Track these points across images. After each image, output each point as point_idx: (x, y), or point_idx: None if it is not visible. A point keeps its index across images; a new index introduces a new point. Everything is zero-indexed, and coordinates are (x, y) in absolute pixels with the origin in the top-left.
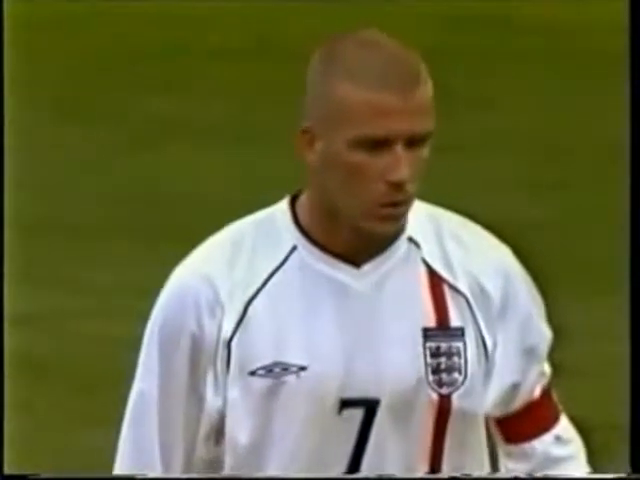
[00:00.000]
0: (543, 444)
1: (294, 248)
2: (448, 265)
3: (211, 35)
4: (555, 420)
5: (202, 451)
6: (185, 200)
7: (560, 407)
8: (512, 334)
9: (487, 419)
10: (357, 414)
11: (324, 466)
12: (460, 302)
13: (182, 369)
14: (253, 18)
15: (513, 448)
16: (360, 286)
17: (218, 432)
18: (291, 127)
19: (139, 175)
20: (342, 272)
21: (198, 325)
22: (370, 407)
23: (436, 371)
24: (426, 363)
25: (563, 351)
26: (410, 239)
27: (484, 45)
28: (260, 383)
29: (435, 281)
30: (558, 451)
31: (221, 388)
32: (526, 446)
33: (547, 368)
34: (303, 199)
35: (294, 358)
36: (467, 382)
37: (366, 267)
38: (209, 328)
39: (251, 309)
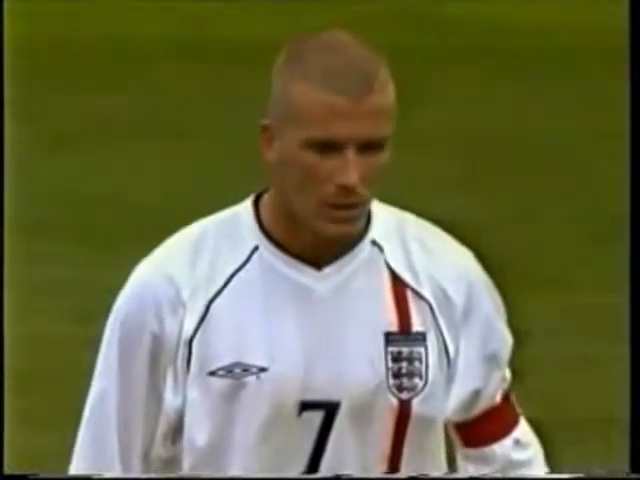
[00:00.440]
0: (503, 448)
1: (256, 248)
2: (411, 269)
3: (146, 34)
4: (515, 424)
5: (160, 450)
6: (105, 200)
7: (519, 410)
8: (475, 341)
9: (446, 423)
10: (317, 416)
11: (283, 467)
12: (423, 307)
13: (142, 367)
14: (188, 18)
15: (472, 452)
16: (321, 288)
17: (175, 432)
18: (219, 127)
19: (60, 174)
20: (303, 274)
21: (159, 323)
22: (330, 410)
23: (397, 376)
24: (387, 367)
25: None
26: (374, 242)
27: (417, 45)
28: (220, 383)
29: (398, 285)
30: (517, 455)
31: (181, 387)
32: (486, 450)
33: (507, 372)
34: (266, 198)
35: (254, 359)
36: (428, 387)
37: (328, 269)
38: (170, 327)
39: (212, 308)
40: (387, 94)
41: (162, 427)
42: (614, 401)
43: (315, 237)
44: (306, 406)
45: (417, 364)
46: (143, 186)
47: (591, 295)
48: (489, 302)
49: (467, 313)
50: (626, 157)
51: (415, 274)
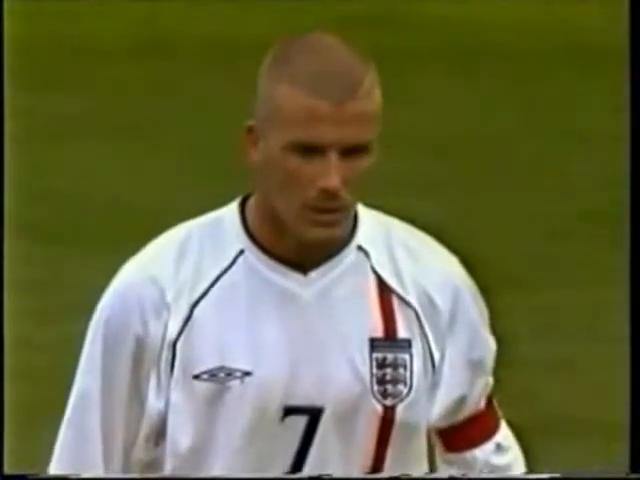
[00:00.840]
0: (484, 452)
1: (241, 252)
2: (398, 275)
3: (103, 34)
4: (496, 428)
5: (141, 452)
6: (72, 197)
7: (500, 414)
8: (460, 347)
9: (429, 428)
10: (301, 421)
11: (266, 471)
12: (409, 314)
13: (125, 369)
14: (145, 18)
15: (453, 457)
16: (306, 293)
17: (158, 434)
18: (179, 125)
19: (26, 170)
20: (288, 278)
21: (143, 325)
22: (314, 415)
23: (381, 382)
24: (371, 373)
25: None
26: (360, 247)
27: (389, 44)
28: (204, 387)
29: (384, 291)
30: (498, 459)
31: (164, 390)
32: (467, 455)
33: (490, 378)
34: (252, 201)
35: (239, 363)
36: (412, 394)
37: (313, 274)
38: (154, 328)
39: (197, 311)
40: (372, 99)
41: (145, 429)
42: (603, 402)
43: (299, 241)
44: (290, 411)
45: (402, 370)
46: (109, 184)
47: (552, 294)
48: (474, 309)
49: (453, 320)
50: (626, 157)
51: (401, 280)
